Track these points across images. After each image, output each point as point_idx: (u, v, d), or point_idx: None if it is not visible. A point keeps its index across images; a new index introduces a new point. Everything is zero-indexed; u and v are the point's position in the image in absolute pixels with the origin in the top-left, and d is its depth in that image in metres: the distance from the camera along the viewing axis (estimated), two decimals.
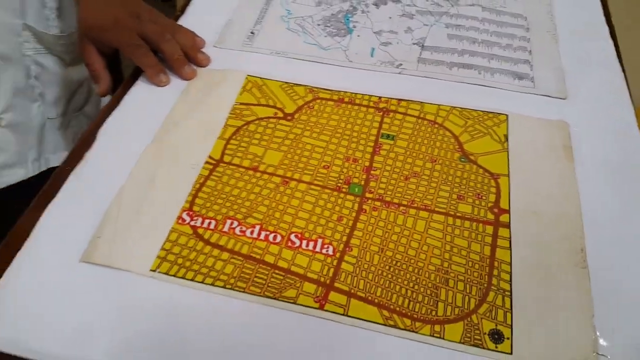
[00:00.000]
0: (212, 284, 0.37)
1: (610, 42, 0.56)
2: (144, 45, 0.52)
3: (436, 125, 0.48)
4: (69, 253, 0.39)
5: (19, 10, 0.58)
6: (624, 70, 0.52)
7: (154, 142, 0.47)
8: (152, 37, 0.52)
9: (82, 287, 0.37)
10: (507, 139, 0.46)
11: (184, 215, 0.41)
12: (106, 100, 0.76)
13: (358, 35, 0.57)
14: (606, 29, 0.58)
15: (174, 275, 0.38)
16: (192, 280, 0.37)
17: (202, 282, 0.37)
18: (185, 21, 0.60)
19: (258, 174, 0.45)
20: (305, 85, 0.52)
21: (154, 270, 0.38)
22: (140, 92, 0.52)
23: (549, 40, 0.56)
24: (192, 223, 0.41)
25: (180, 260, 0.39)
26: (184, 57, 0.53)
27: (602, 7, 0.61)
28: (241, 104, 0.51)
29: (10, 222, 0.58)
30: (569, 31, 0.58)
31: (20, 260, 0.39)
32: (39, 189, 0.60)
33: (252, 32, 0.58)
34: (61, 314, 0.36)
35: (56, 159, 0.67)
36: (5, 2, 0.57)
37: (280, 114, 0.50)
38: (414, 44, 0.56)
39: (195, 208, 0.42)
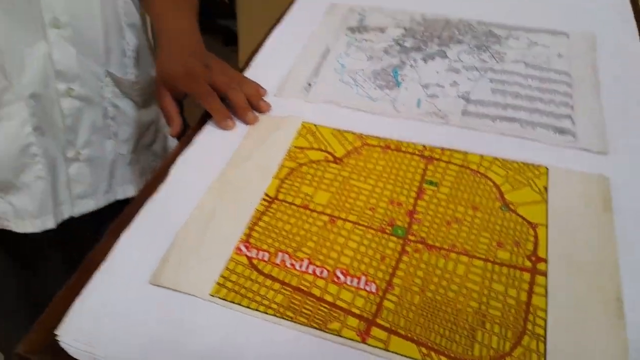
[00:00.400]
0: (265, 312, 0.41)
1: None
2: (213, 93, 0.58)
3: (478, 175, 0.51)
4: (140, 275, 0.44)
5: (103, 59, 0.66)
6: None
7: (218, 179, 0.52)
8: (221, 87, 0.58)
9: (150, 306, 0.42)
10: (546, 191, 0.48)
11: (241, 247, 0.46)
12: (171, 140, 0.83)
13: (406, 88, 0.61)
14: None
15: (230, 301, 0.41)
16: (247, 307, 0.41)
17: (255, 309, 0.41)
18: (249, 72, 0.66)
19: (308, 212, 0.48)
20: (355, 132, 0.57)
21: (213, 295, 0.42)
22: (208, 134, 0.58)
23: (591, 96, 0.58)
24: (248, 254, 0.45)
25: (236, 288, 0.42)
26: (248, 104, 0.58)
27: None
28: (296, 147, 0.55)
29: (80, 246, 0.65)
30: (612, 88, 0.60)
31: (97, 280, 0.44)
32: (105, 219, 0.66)
33: (308, 84, 0.64)
34: (130, 330, 0.40)
35: (123, 192, 0.74)
36: (94, 52, 0.65)
37: (330, 158, 0.54)
38: (459, 97, 0.59)
39: (252, 240, 0.46)
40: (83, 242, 0.73)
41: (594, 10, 0.74)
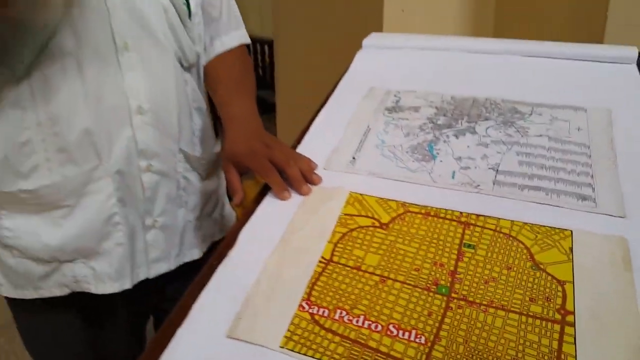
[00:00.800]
0: None
1: None
2: (273, 168, 0.67)
3: (510, 238, 0.57)
4: (218, 330, 0.51)
5: (177, 138, 0.77)
6: None
7: (280, 244, 0.60)
8: (279, 163, 0.67)
9: (227, 357, 0.49)
10: (572, 252, 0.54)
11: (304, 304, 0.53)
12: (227, 209, 0.92)
13: (441, 161, 0.70)
14: None
15: (297, 352, 0.48)
16: (312, 357, 0.48)
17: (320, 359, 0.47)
18: (301, 148, 0.75)
19: (360, 273, 0.56)
20: (397, 201, 0.64)
21: (282, 347, 0.49)
22: (268, 204, 0.66)
23: (609, 166, 0.65)
24: (310, 310, 0.52)
25: (302, 340, 0.49)
26: (302, 178, 0.67)
27: None
28: (346, 214, 0.63)
29: (145, 301, 0.72)
30: (628, 158, 0.66)
31: (180, 336, 0.51)
32: (169, 277, 0.74)
33: (353, 158, 0.72)
34: None
35: (190, 255, 0.82)
36: (169, 133, 0.76)
37: (377, 224, 0.62)
38: (489, 168, 0.67)
39: (312, 298, 0.53)
40: (149, 297, 0.81)
41: (609, 88, 0.82)
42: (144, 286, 0.79)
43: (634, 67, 0.86)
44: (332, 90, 0.89)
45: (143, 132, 0.73)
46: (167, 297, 0.81)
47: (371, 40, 1.01)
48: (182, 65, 0.77)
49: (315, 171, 0.70)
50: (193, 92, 0.80)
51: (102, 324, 0.84)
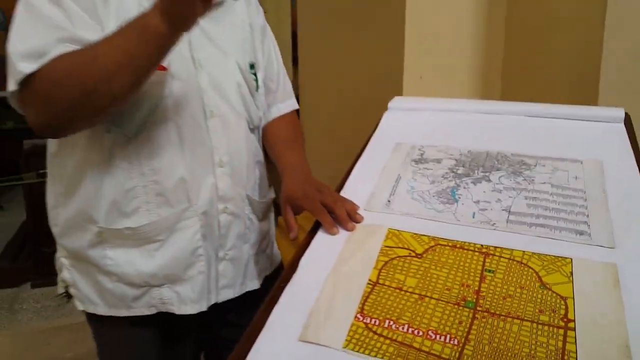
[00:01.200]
0: (382, 358, 0.60)
1: None
2: (324, 209, 0.82)
3: (522, 265, 0.71)
4: (291, 335, 0.65)
5: (245, 186, 0.93)
6: None
7: (333, 270, 0.74)
8: (329, 205, 0.82)
9: (301, 357, 0.62)
10: (572, 275, 0.68)
11: (358, 316, 0.66)
12: (276, 247, 1.07)
13: (462, 204, 0.84)
14: None
15: (357, 352, 0.61)
16: (368, 355, 0.61)
17: (375, 357, 0.60)
18: (343, 193, 0.90)
19: (402, 292, 0.69)
20: (429, 235, 0.79)
21: (344, 348, 0.62)
22: (320, 239, 0.81)
23: (601, 207, 0.80)
24: (364, 321, 0.65)
25: (359, 343, 0.62)
26: (348, 217, 0.82)
27: None
28: (386, 247, 0.77)
29: (210, 322, 0.86)
30: (616, 200, 0.81)
31: (259, 343, 0.65)
32: (233, 308, 0.88)
33: (388, 201, 0.87)
34: None
35: (251, 285, 0.96)
36: (241, 182, 0.92)
37: (413, 254, 0.76)
38: (503, 210, 0.81)
39: (365, 312, 0.67)
40: (214, 320, 0.95)
41: (601, 143, 0.97)
42: (208, 312, 0.93)
43: (622, 125, 1.02)
44: (365, 145, 1.05)
45: (222, 180, 0.89)
46: (228, 323, 0.95)
47: (395, 103, 1.18)
48: (249, 127, 0.95)
49: (358, 212, 0.84)
50: (256, 148, 0.98)
51: (176, 342, 0.96)
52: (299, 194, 0.85)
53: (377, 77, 1.56)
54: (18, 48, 0.76)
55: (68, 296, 0.98)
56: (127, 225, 0.86)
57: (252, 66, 0.96)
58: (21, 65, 0.75)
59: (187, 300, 0.89)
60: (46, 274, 2.80)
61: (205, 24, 0.87)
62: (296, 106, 1.09)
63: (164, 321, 0.92)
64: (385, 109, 1.18)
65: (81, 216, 0.89)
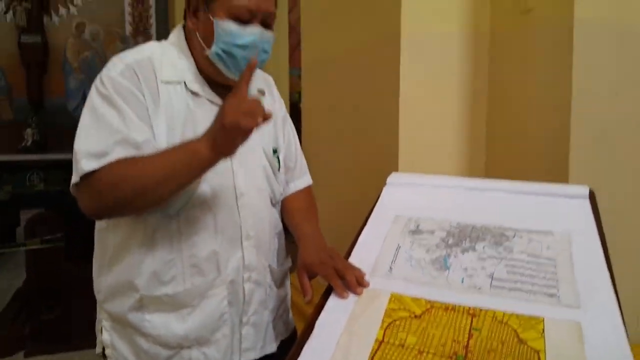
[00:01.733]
0: None
1: (607, 274, 0.93)
2: (336, 275, 0.96)
3: (503, 324, 0.85)
4: None
5: (268, 256, 1.07)
6: (616, 292, 0.89)
7: (345, 329, 0.88)
8: (341, 271, 0.96)
9: None
10: (544, 331, 0.82)
11: None
12: (290, 314, 1.20)
13: (453, 270, 0.99)
14: (605, 266, 0.96)
15: None
16: None
17: None
18: (351, 259, 1.05)
19: (404, 349, 0.83)
20: (425, 299, 0.93)
21: None
22: (333, 303, 0.95)
23: (569, 273, 0.95)
24: None
25: None
26: (357, 283, 0.96)
27: (603, 252, 1.00)
28: (390, 308, 0.92)
29: None
30: (582, 267, 0.96)
31: None
32: None
33: (390, 268, 1.02)
34: None
35: (270, 348, 1.09)
36: (264, 252, 1.07)
37: (413, 315, 0.90)
38: (487, 276, 0.96)
39: None
40: None
41: (569, 217, 1.13)
42: None
43: (587, 201, 1.19)
44: (368, 217, 1.21)
45: (248, 252, 1.04)
46: None
47: (393, 179, 1.35)
48: (272, 202, 1.11)
49: (365, 277, 0.99)
50: (276, 220, 1.13)
51: None
52: (315, 260, 1.00)
53: (375, 152, 1.75)
54: (82, 147, 0.93)
55: (104, 357, 1.10)
56: (165, 292, 0.99)
57: (275, 151, 1.13)
58: (84, 163, 0.91)
59: None
60: (43, 341, 2.82)
61: None
62: (310, 182, 1.26)
63: None
64: (383, 180, 1.35)
65: (124, 284, 1.02)
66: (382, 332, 0.87)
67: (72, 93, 6.98)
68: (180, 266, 1.00)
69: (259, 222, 1.07)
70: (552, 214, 1.15)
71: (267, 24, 1.02)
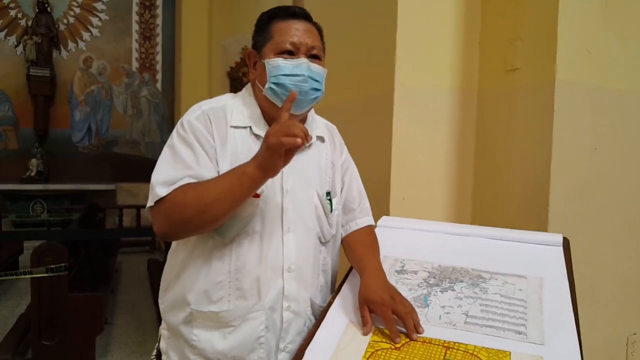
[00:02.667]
0: None
1: (572, 317, 1.03)
2: (393, 320, 1.01)
3: (474, 356, 0.94)
4: None
5: (310, 290, 1.16)
6: (578, 333, 0.98)
7: (331, 358, 0.96)
8: (401, 315, 1.02)
9: None
10: None
11: None
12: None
13: (432, 308, 1.09)
14: (571, 310, 1.06)
15: None
16: None
17: None
18: (343, 290, 1.14)
19: None
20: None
21: None
22: (322, 333, 1.04)
23: (537, 314, 1.04)
24: None
25: None
26: (414, 328, 1.00)
27: (570, 297, 1.10)
28: (373, 341, 1.01)
29: None
30: (550, 309, 1.06)
31: None
32: None
33: None
34: None
35: None
36: (305, 286, 1.15)
37: (393, 347, 0.99)
38: (462, 313, 1.06)
39: None
40: None
41: (543, 262, 1.23)
42: None
43: (560, 248, 1.29)
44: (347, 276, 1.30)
45: (289, 283, 1.13)
46: None
47: (383, 222, 1.46)
48: (321, 241, 1.20)
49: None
50: (324, 259, 1.22)
51: None
52: (377, 299, 1.04)
53: (368, 197, 1.86)
54: (160, 177, 1.07)
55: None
56: (212, 309, 1.10)
57: (328, 194, 1.21)
58: (158, 189, 1.05)
59: None
60: None
61: (297, 161, 1.10)
62: (372, 222, 1.33)
63: None
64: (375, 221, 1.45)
65: (180, 299, 1.14)
66: None
67: (77, 125, 7.18)
68: (227, 288, 1.11)
69: (302, 258, 1.15)
70: (527, 259, 1.26)
71: (313, 55, 1.13)
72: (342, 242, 1.30)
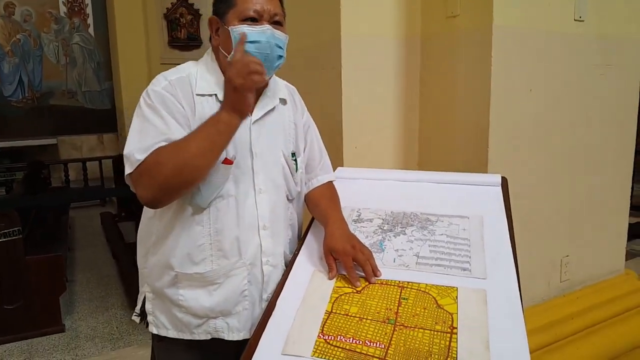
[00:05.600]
0: None
1: (510, 251, 1.17)
2: (353, 267, 1.12)
3: (425, 293, 1.07)
4: (276, 350, 0.96)
5: (282, 243, 1.25)
6: (516, 265, 1.12)
7: (301, 304, 1.06)
8: (360, 261, 1.12)
9: None
10: (457, 298, 1.04)
11: (320, 335, 0.99)
12: None
13: (387, 252, 1.20)
14: (509, 245, 1.19)
15: (321, 358, 0.94)
16: (328, 358, 0.94)
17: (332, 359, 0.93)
18: (305, 244, 1.24)
19: (348, 317, 1.03)
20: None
21: (312, 355, 0.94)
22: (291, 282, 1.13)
23: (480, 251, 1.17)
24: (324, 338, 0.98)
25: (323, 353, 0.95)
26: (372, 273, 1.11)
27: (509, 233, 1.23)
28: (337, 286, 1.11)
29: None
30: (490, 245, 1.19)
31: (256, 356, 0.96)
32: None
33: None
34: None
35: None
36: (279, 240, 1.23)
37: (354, 291, 1.10)
38: (413, 255, 1.18)
39: (324, 332, 1.00)
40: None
41: (483, 202, 1.36)
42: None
43: (499, 188, 1.42)
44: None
45: (265, 240, 1.20)
46: None
47: (338, 173, 1.54)
48: (287, 199, 1.27)
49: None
50: (291, 214, 1.30)
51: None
52: (339, 247, 1.15)
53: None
54: (135, 145, 1.09)
55: (143, 320, 1.28)
56: (196, 271, 1.17)
57: (293, 154, 1.28)
58: (136, 156, 1.08)
59: (235, 329, 1.19)
60: (9, 331, 2.90)
61: (263, 125, 1.21)
62: (334, 178, 1.42)
63: (215, 346, 1.21)
64: None
65: (163, 263, 1.20)
66: (331, 305, 1.06)
67: (7, 78, 6.75)
68: (208, 250, 1.17)
69: (274, 215, 1.23)
70: (469, 200, 1.38)
71: (276, 22, 1.16)
72: (305, 197, 1.37)
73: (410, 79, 1.98)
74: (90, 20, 7.16)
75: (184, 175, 1.07)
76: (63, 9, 6.99)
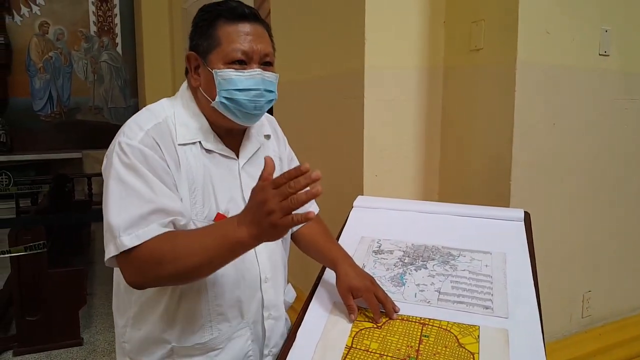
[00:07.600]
0: None
1: (533, 289, 1.16)
2: (378, 304, 1.10)
3: (446, 331, 1.07)
4: None
5: (281, 292, 1.20)
6: (539, 304, 1.11)
7: (321, 338, 1.07)
8: (381, 299, 1.11)
9: None
10: (479, 337, 1.04)
11: None
12: None
13: (407, 286, 1.20)
14: (532, 283, 1.18)
15: None
16: None
17: None
18: (325, 277, 1.24)
19: (368, 353, 1.03)
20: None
21: None
22: (310, 317, 1.14)
23: (502, 288, 1.17)
24: None
25: None
26: (393, 310, 1.10)
27: (531, 270, 1.23)
28: (357, 320, 1.11)
29: None
30: (513, 283, 1.18)
31: None
32: None
33: None
34: None
35: None
36: (279, 289, 1.18)
37: (375, 326, 1.10)
38: (435, 291, 1.17)
39: None
40: None
41: (506, 238, 1.36)
42: None
43: (521, 223, 1.41)
44: (338, 237, 1.40)
45: (267, 293, 1.14)
46: None
47: (359, 202, 1.56)
48: (281, 241, 1.21)
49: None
50: (283, 256, 1.22)
51: None
52: (361, 285, 1.10)
53: (340, 176, 1.95)
54: (118, 221, 0.93)
55: None
56: (197, 341, 1.06)
57: None
58: (125, 239, 0.91)
59: None
60: (29, 342, 2.95)
61: (251, 168, 1.11)
62: (317, 209, 1.33)
63: None
64: (350, 203, 1.55)
65: (155, 339, 1.07)
66: (351, 339, 1.07)
67: (38, 93, 6.95)
68: (207, 316, 1.07)
69: (273, 262, 1.15)
70: (492, 235, 1.38)
71: (266, 63, 1.05)
72: (292, 234, 1.29)
73: (432, 110, 2.00)
74: (118, 40, 7.35)
75: (183, 280, 0.97)
76: (93, 28, 7.21)
